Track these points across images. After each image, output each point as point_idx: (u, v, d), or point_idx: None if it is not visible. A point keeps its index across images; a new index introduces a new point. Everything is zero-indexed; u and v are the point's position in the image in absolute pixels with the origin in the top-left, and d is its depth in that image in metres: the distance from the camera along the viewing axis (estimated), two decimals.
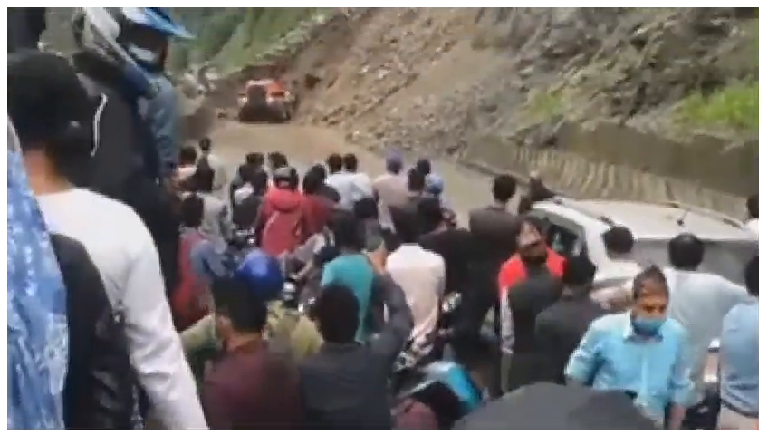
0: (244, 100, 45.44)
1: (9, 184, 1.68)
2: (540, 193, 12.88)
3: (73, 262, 1.85)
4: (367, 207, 9.08)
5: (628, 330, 5.23)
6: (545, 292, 6.17)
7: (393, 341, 5.00)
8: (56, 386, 1.68)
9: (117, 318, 2.09)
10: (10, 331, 1.61)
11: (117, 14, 3.28)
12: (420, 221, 7.92)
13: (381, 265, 5.41)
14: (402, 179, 10.85)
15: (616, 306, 6.18)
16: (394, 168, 11.79)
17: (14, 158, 1.71)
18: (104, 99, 3.17)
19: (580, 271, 6.10)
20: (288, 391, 4.16)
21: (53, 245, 1.77)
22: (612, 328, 5.32)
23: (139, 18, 3.31)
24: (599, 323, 5.38)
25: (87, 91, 3.13)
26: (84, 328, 1.85)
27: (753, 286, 5.50)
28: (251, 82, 46.36)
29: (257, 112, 43.88)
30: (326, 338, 4.69)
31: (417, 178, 10.54)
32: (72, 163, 2.10)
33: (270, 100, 45.36)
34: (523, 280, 6.38)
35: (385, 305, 5.47)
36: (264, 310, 4.32)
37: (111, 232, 2.10)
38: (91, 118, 2.15)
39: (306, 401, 4.41)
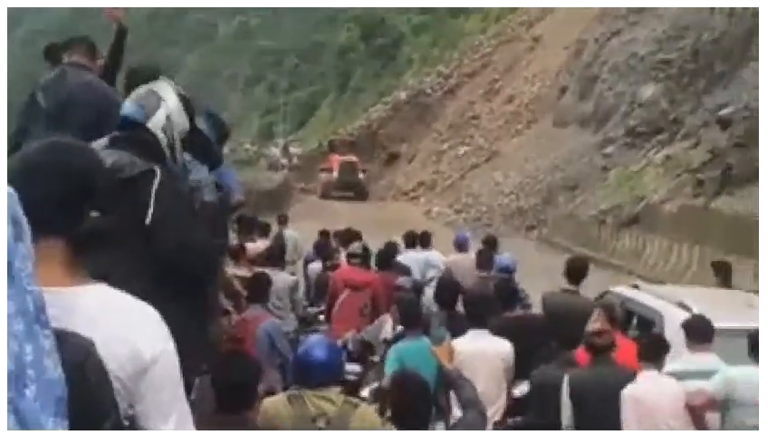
0: (325, 175, 44.38)
1: (12, 277, 1.59)
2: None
3: (80, 361, 1.75)
4: (449, 296, 8.08)
5: None
6: (606, 382, 5.92)
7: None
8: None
9: (126, 423, 1.96)
10: None
11: (190, 115, 3.51)
12: (494, 303, 7.72)
13: (447, 360, 5.24)
14: (472, 257, 10.67)
15: (697, 410, 5.90)
16: (461, 247, 11.67)
17: (20, 249, 1.63)
18: (158, 172, 3.28)
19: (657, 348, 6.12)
20: None
21: (60, 342, 1.68)
22: None
23: (206, 130, 3.58)
24: None
25: (131, 168, 3.25)
26: (88, 432, 1.73)
27: None
28: (337, 156, 45.25)
29: (346, 188, 42.99)
30: (398, 427, 4.58)
31: (485, 257, 10.31)
32: (90, 255, 2.02)
33: (361, 175, 44.41)
34: (586, 368, 6.12)
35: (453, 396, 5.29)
36: (244, 391, 4.10)
37: (126, 331, 1.97)
38: (113, 208, 2.07)
39: None
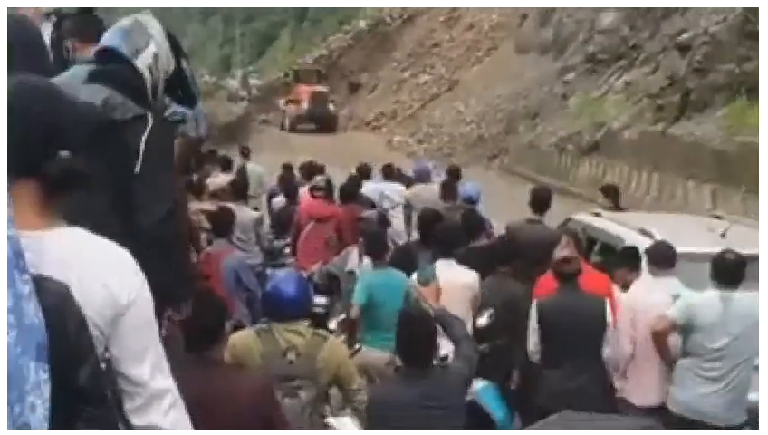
0: (293, 107, 42.01)
1: None
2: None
3: (57, 306, 1.74)
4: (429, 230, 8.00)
5: None
6: (575, 308, 6.04)
7: (466, 367, 4.95)
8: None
9: (103, 365, 1.98)
10: None
11: (175, 57, 3.33)
12: (462, 233, 7.78)
13: (435, 300, 5.30)
14: (435, 188, 10.70)
15: (659, 334, 6.05)
16: (422, 178, 11.67)
17: None
18: (150, 120, 3.15)
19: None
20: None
21: (36, 287, 1.68)
22: None
23: (188, 70, 3.39)
24: None
25: (123, 111, 3.10)
26: (67, 377, 1.74)
27: None
28: (305, 87, 42.82)
29: (316, 120, 41.13)
30: (405, 362, 4.76)
31: (449, 187, 10.32)
32: (64, 197, 2.00)
33: (332, 106, 42.37)
34: (554, 294, 6.23)
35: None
36: (210, 330, 4.13)
37: (101, 276, 1.97)
38: (82, 147, 2.02)
39: (382, 428, 4.50)
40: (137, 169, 3.04)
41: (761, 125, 11.68)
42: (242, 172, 13.56)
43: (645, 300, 6.28)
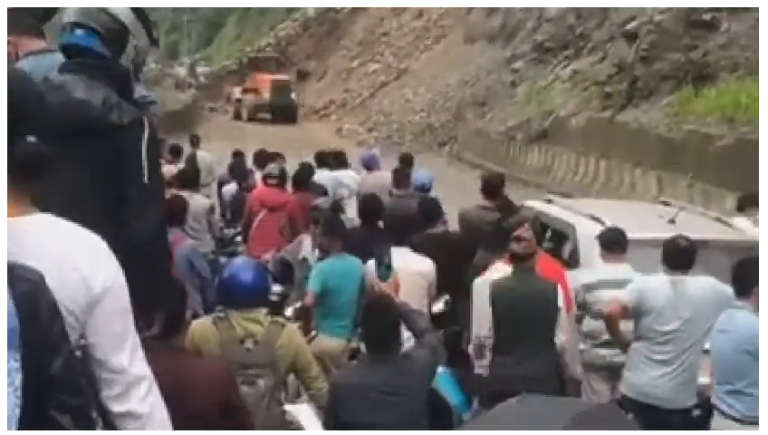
0: (252, 96, 40.80)
1: None
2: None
3: (29, 293, 1.71)
4: (373, 214, 7.93)
5: None
6: (526, 291, 6.03)
7: (432, 356, 4.97)
8: (9, 430, 1.56)
9: (78, 353, 1.96)
10: None
11: (149, 34, 3.27)
12: (416, 220, 7.76)
13: (395, 294, 5.32)
14: (384, 176, 10.70)
15: (612, 318, 6.11)
16: (369, 165, 11.69)
17: None
18: (147, 124, 3.04)
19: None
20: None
21: (9, 273, 1.65)
22: None
23: (156, 36, 3.34)
24: None
25: (120, 113, 2.99)
26: (40, 365, 1.72)
27: (740, 289, 5.42)
28: (266, 76, 41.69)
29: (278, 111, 39.92)
30: (369, 349, 4.82)
31: (402, 175, 10.31)
32: (33, 182, 1.97)
33: (293, 96, 41.14)
34: (506, 278, 6.22)
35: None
36: (173, 317, 4.11)
37: (75, 262, 1.95)
38: (47, 130, 1.97)
39: (342, 412, 4.56)
40: (145, 179, 2.94)
41: (761, 124, 11.85)
42: (192, 160, 13.46)
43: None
